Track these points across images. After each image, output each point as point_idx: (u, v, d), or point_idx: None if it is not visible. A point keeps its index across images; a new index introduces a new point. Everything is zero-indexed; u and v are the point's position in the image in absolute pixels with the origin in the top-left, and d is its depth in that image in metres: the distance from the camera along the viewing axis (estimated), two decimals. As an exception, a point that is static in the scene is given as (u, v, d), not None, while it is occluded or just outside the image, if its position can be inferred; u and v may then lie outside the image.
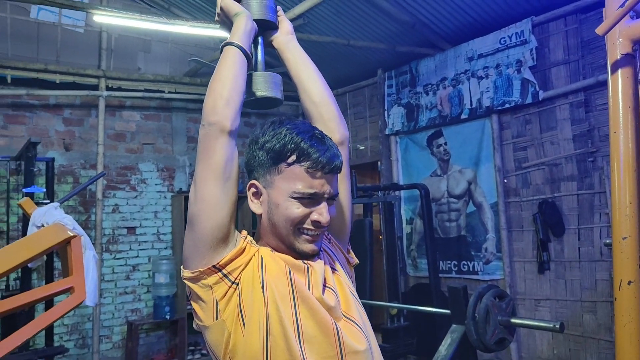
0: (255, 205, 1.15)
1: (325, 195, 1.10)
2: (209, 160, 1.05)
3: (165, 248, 5.74)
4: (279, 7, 1.35)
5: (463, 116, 4.74)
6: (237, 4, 1.24)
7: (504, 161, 4.49)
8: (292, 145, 1.08)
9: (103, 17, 3.53)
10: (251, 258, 1.10)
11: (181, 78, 5.76)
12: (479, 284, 3.51)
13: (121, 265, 5.47)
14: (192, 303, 1.12)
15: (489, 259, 4.54)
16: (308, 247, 1.12)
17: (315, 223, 1.10)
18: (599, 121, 3.90)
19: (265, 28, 1.31)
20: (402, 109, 5.36)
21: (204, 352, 5.60)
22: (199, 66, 5.58)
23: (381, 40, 5.11)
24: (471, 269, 4.69)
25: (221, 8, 1.25)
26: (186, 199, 5.48)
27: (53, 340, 4.65)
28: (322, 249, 1.19)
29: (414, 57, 5.21)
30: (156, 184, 5.75)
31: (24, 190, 4.00)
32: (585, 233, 3.95)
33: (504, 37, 4.40)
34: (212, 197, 1.05)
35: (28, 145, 4.13)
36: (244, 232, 1.17)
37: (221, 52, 1.16)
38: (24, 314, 3.84)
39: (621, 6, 1.42)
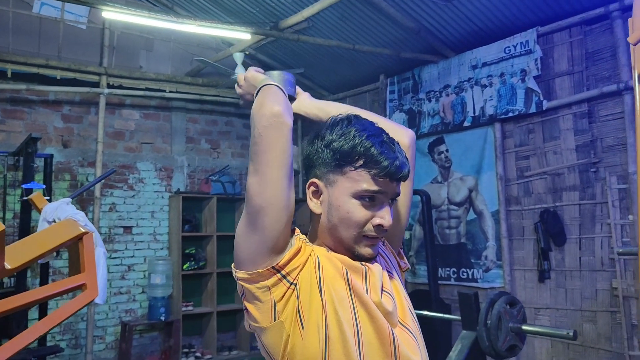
0: (314, 205, 1.12)
1: (389, 196, 1.09)
2: (276, 153, 1.01)
3: (162, 249, 5.68)
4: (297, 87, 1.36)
5: (466, 124, 4.76)
6: (263, 74, 1.25)
7: (506, 170, 4.51)
8: (362, 149, 1.06)
9: (111, 13, 3.50)
10: (308, 258, 1.07)
11: (183, 78, 5.73)
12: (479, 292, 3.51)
13: (116, 265, 5.41)
14: (246, 304, 1.08)
15: (489, 267, 4.55)
16: (368, 252, 1.10)
17: (378, 227, 1.08)
18: (601, 132, 3.94)
19: None
20: (403, 114, 5.37)
21: (197, 354, 5.54)
22: (202, 66, 5.56)
23: (384, 45, 5.12)
24: (471, 277, 4.70)
25: (245, 78, 1.25)
26: (184, 199, 5.53)
27: (46, 339, 4.58)
28: (378, 252, 1.17)
29: (417, 63, 5.23)
30: (154, 184, 5.70)
31: (23, 186, 3.94)
32: (587, 243, 3.97)
33: (509, 47, 4.43)
34: (280, 194, 1.02)
35: (28, 140, 4.07)
36: (297, 231, 1.14)
37: (256, 95, 1.12)
38: (20, 314, 3.78)
39: (655, 15, 1.43)
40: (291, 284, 1.04)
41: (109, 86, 5.32)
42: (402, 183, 1.14)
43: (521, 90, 4.34)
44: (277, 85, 1.13)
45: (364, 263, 1.11)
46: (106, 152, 5.34)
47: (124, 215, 5.48)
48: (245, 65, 5.06)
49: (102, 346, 5.27)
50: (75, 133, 5.30)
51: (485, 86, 4.61)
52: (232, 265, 1.10)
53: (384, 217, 1.08)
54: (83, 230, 2.04)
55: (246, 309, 1.09)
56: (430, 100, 5.11)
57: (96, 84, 5.27)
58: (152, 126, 5.76)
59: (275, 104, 1.04)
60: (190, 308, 5.60)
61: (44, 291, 1.86)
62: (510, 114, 4.41)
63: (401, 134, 1.24)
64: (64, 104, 5.25)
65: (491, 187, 4.58)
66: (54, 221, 2.07)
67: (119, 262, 5.43)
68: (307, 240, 1.13)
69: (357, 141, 1.06)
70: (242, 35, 4.49)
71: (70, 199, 2.15)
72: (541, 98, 4.21)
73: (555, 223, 4.10)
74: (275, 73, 1.29)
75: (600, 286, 3.88)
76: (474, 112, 4.69)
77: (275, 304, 1.03)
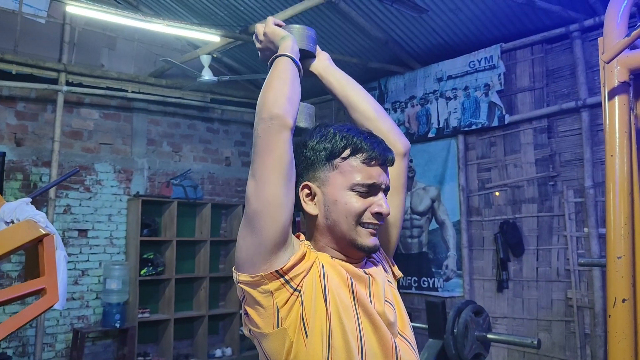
0: (310, 207, 1.11)
1: (383, 186, 1.11)
2: (272, 157, 1.00)
3: (118, 253, 5.50)
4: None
5: (430, 135, 4.84)
6: (282, 29, 1.24)
7: (468, 181, 4.60)
8: (345, 141, 1.10)
9: (75, 8, 3.37)
10: (312, 265, 1.06)
11: (146, 78, 5.59)
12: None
13: (70, 270, 5.19)
14: (247, 308, 1.05)
15: (450, 276, 4.63)
16: (370, 242, 1.09)
17: (377, 215, 1.09)
18: (560, 147, 4.08)
19: (304, 57, 1.32)
20: (369, 124, 5.40)
21: (153, 363, 5.38)
22: (166, 67, 5.44)
23: (352, 54, 5.15)
24: (431, 286, 4.76)
25: (265, 34, 1.24)
26: (143, 203, 5.38)
27: (-9, 347, 4.35)
28: (378, 260, 1.18)
29: (383, 74, 5.29)
30: (112, 186, 5.52)
31: (-27, 184, 3.74)
32: (544, 254, 4.09)
33: (474, 61, 4.54)
34: (276, 197, 1.00)
35: (-20, 137, 3.87)
36: (302, 236, 1.14)
37: (270, 66, 1.15)
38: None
39: (627, 35, 1.49)
40: (295, 290, 1.02)
41: (68, 84, 5.13)
42: (394, 194, 1.19)
43: (484, 104, 4.45)
44: (291, 57, 1.13)
45: (367, 272, 1.11)
46: (62, 152, 5.14)
47: (79, 217, 5.28)
48: (212, 69, 5.00)
49: (52, 354, 5.03)
50: (30, 131, 5.08)
51: (449, 99, 4.70)
52: (233, 268, 1.08)
53: (381, 204, 1.09)
54: (43, 232, 1.94)
55: (247, 313, 1.06)
56: (395, 111, 5.17)
57: (54, 81, 5.07)
58: (112, 127, 5.59)
59: (276, 104, 1.03)
60: (146, 315, 5.43)
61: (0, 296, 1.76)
62: (474, 127, 4.51)
63: (399, 140, 1.27)
64: (18, 100, 5.02)
65: (453, 197, 4.66)
66: (12, 222, 1.96)
67: (73, 267, 5.22)
68: (312, 246, 1.12)
69: (338, 136, 1.11)
70: (211, 37, 4.42)
71: (30, 199, 2.04)
72: (503, 112, 4.33)
73: (514, 234, 4.20)
74: (295, 28, 1.27)
75: (555, 296, 4.00)
76: (439, 124, 4.77)
77: (278, 310, 1.01)
